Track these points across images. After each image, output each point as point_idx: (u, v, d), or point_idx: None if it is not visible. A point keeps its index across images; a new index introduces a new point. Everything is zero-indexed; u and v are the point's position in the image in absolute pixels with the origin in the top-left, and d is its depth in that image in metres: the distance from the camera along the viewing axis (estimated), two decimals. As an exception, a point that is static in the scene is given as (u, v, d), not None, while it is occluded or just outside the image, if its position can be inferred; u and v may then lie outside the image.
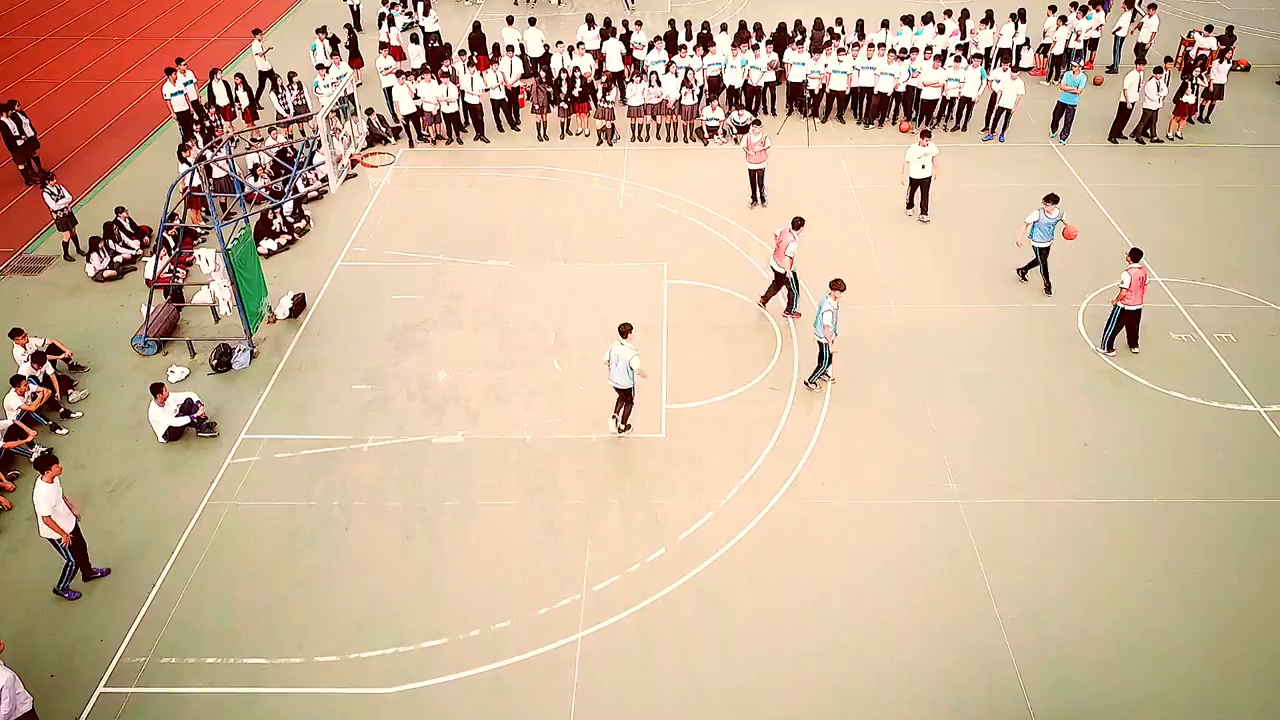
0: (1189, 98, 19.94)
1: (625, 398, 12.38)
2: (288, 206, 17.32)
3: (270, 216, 16.82)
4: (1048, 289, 15.20)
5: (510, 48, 21.63)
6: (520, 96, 21.45)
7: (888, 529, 11.25)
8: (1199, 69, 20.41)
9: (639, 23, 22.46)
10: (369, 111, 20.63)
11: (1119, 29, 23.22)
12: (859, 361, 13.90)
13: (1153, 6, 22.64)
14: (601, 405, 13.17)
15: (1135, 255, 13.42)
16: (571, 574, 10.76)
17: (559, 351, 14.29)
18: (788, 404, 13.14)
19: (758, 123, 18.34)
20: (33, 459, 12.13)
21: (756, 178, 17.74)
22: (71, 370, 14.01)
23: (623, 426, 12.61)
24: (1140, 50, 22.57)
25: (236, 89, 20.72)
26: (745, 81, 20.85)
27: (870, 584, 10.60)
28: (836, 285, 12.62)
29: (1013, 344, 14.21)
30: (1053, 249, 14.95)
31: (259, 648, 10.02)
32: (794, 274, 14.50)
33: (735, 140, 20.02)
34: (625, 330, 12.08)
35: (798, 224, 14.16)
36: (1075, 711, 9.29)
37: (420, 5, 24.94)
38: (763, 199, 17.94)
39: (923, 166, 16.87)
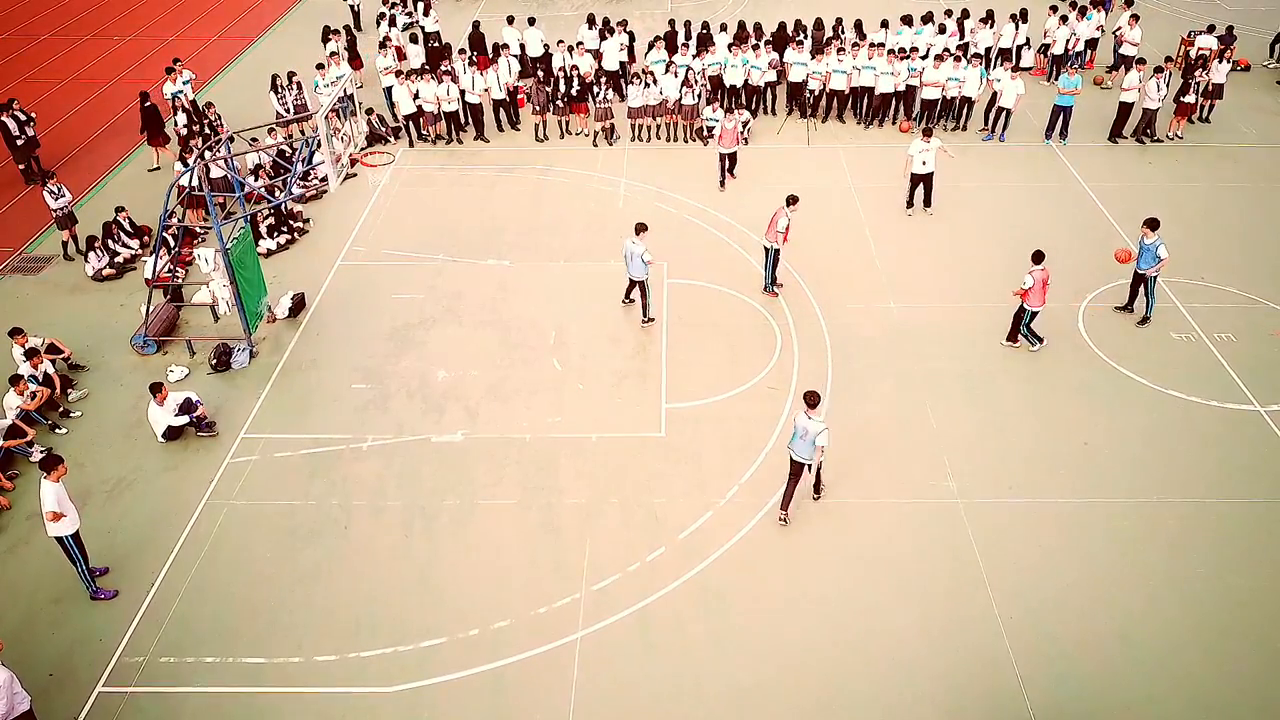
0: (1189, 97, 19.94)
1: (640, 287, 14.29)
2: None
3: (259, 219, 16.78)
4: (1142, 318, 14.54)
5: (507, 46, 21.64)
6: (520, 96, 21.46)
7: (887, 528, 11.24)
8: (1199, 69, 20.40)
9: (623, 22, 22.48)
10: (369, 112, 20.63)
11: (1119, 29, 23.19)
12: (859, 361, 13.90)
13: (1135, 17, 22.49)
14: (600, 405, 13.17)
15: (1038, 257, 13.45)
16: (571, 573, 10.75)
17: (559, 350, 14.28)
18: (787, 403, 13.13)
19: (730, 110, 18.79)
20: (34, 459, 12.20)
21: (729, 161, 18.57)
22: (71, 369, 14.00)
23: (645, 320, 14.52)
24: (1125, 61, 22.40)
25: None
26: (745, 81, 20.86)
27: (870, 583, 10.59)
28: (813, 401, 10.62)
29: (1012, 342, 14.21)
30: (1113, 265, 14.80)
31: (258, 647, 10.01)
32: (776, 251, 14.97)
33: (745, 140, 20.03)
34: (640, 228, 13.98)
35: (792, 201, 14.74)
36: (1075, 710, 9.28)
37: (420, 5, 24.92)
38: (731, 172, 18.81)
39: (924, 163, 16.91)
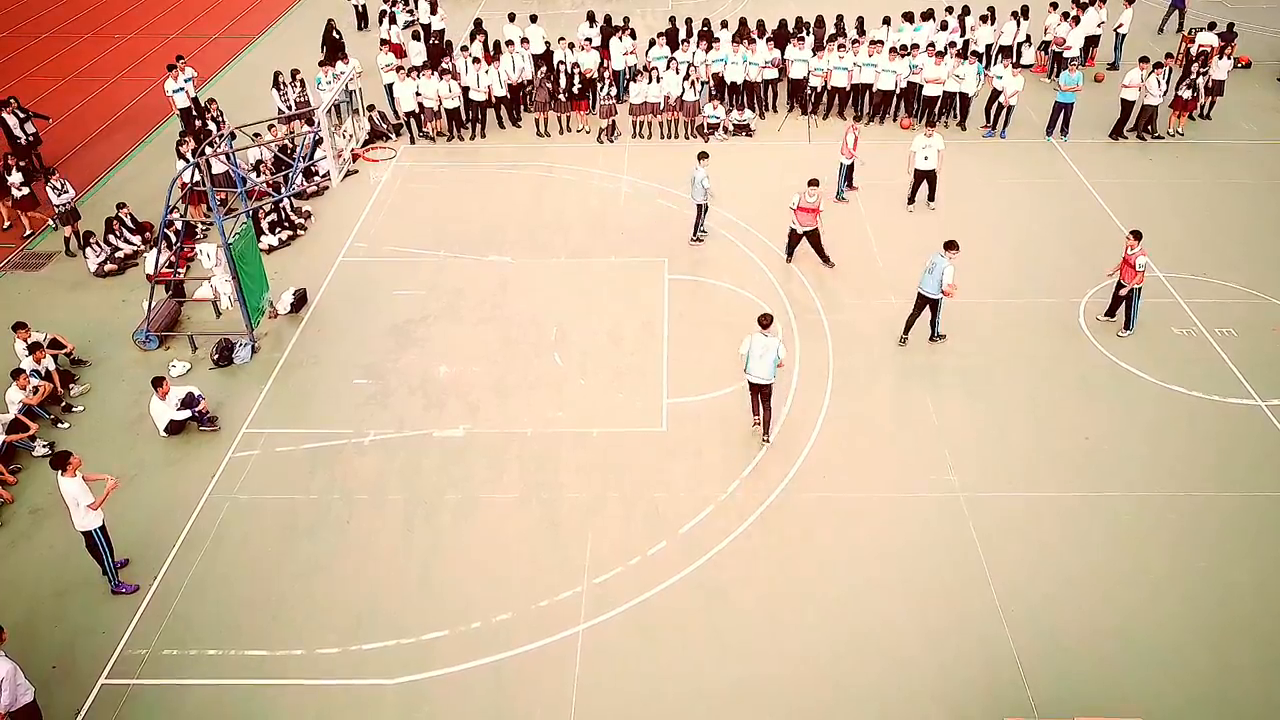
0: (1185, 93, 19.92)
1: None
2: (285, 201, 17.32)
3: (260, 215, 16.80)
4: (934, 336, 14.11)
5: (509, 42, 21.63)
6: (521, 93, 21.46)
7: (888, 523, 11.25)
8: (1200, 65, 20.38)
9: (626, 20, 22.47)
10: (370, 108, 20.62)
11: (1120, 25, 23.20)
12: (860, 355, 13.91)
13: (1075, 19, 22.38)
14: (601, 400, 13.19)
15: (1138, 235, 13.65)
16: (572, 567, 10.77)
17: (560, 346, 14.29)
18: (789, 398, 13.14)
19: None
20: (36, 454, 12.23)
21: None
22: (73, 365, 14.03)
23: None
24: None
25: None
26: (745, 78, 20.86)
27: (871, 578, 10.59)
28: (766, 322, 11.53)
29: (1014, 338, 14.20)
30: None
31: (260, 640, 10.03)
32: (811, 232, 15.39)
33: (741, 130, 19.95)
34: (702, 156, 15.20)
35: (813, 183, 15.06)
36: (1076, 705, 9.27)
37: (425, 4, 24.89)
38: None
39: (926, 158, 16.90)
